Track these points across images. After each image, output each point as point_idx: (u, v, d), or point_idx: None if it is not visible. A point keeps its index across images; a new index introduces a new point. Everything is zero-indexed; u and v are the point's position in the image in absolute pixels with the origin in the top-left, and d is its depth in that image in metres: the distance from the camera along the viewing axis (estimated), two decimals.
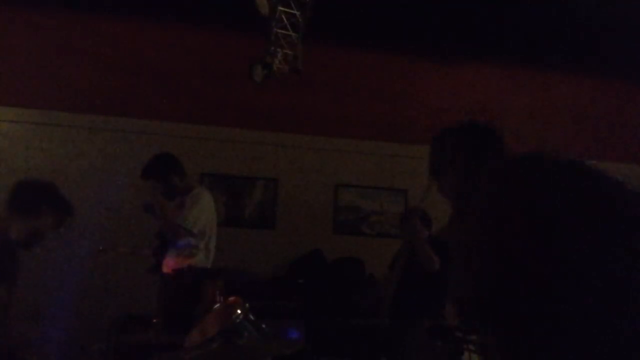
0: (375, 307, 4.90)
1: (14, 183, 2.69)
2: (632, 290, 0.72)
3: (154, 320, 3.18)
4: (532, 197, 0.77)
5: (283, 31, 4.67)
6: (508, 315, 0.76)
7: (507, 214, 0.77)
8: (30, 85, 5.27)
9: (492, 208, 0.81)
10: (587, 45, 5.51)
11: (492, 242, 0.79)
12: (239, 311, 1.63)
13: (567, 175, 0.80)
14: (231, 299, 1.76)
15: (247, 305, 1.72)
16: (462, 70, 6.26)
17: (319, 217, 5.73)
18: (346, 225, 5.81)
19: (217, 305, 1.99)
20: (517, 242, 0.75)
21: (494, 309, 0.77)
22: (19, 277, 2.46)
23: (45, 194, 2.61)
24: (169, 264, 3.62)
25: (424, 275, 3.59)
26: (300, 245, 5.52)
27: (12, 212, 2.55)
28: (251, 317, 1.67)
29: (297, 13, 4.49)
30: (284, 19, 4.59)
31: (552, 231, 0.73)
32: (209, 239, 3.71)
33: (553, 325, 0.71)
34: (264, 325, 1.74)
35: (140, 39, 5.57)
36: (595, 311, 0.70)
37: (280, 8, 4.49)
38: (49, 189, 2.65)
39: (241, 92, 5.55)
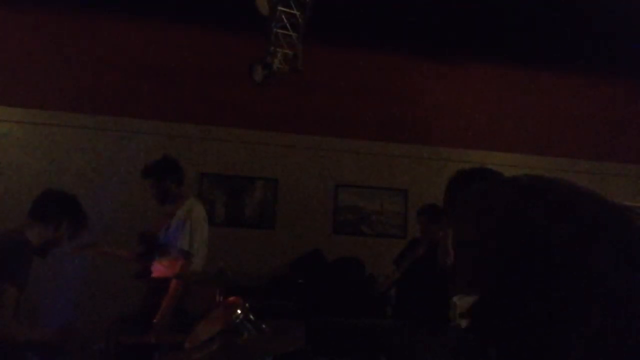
0: (375, 305, 4.91)
1: (41, 191, 2.78)
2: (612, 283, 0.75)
3: (154, 321, 3.18)
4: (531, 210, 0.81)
5: (283, 31, 4.67)
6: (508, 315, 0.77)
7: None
8: (30, 85, 5.27)
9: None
10: (587, 45, 5.51)
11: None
12: (239, 311, 1.63)
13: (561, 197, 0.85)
14: (231, 298, 1.76)
15: (247, 305, 1.72)
16: (462, 70, 6.26)
17: (319, 217, 5.73)
18: (346, 225, 5.81)
19: (217, 305, 1.99)
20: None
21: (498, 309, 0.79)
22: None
23: (68, 208, 2.68)
24: (159, 270, 3.56)
25: (429, 274, 3.60)
26: (300, 245, 5.52)
27: (34, 218, 2.61)
28: (251, 317, 1.67)
29: (297, 13, 4.49)
30: (284, 19, 4.58)
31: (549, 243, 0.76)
32: (203, 248, 3.64)
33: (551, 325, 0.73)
34: (264, 325, 1.74)
35: (140, 39, 5.58)
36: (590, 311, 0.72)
37: (280, 8, 4.48)
38: (73, 204, 2.72)
39: (241, 92, 5.55)
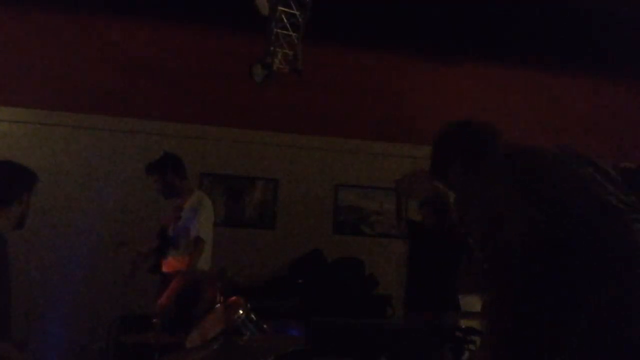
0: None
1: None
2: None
3: (154, 320, 3.18)
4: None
5: (283, 31, 4.67)
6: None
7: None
8: (30, 85, 5.26)
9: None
10: (588, 45, 5.52)
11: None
12: (240, 311, 1.63)
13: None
14: (232, 298, 1.76)
15: (248, 305, 1.72)
16: (462, 70, 6.26)
17: (319, 217, 5.73)
18: (346, 225, 5.80)
19: (218, 305, 1.98)
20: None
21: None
22: (17, 277, 2.43)
23: (18, 177, 2.53)
24: (172, 263, 3.61)
25: (436, 268, 3.64)
26: (300, 245, 5.51)
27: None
28: (252, 316, 1.67)
29: (297, 13, 4.48)
30: (284, 19, 4.58)
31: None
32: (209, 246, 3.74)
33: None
34: (265, 325, 1.74)
35: (140, 39, 5.57)
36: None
37: (280, 8, 4.48)
38: (19, 171, 2.55)
39: (241, 92, 5.55)
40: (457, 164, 1.59)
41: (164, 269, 3.66)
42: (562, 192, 0.92)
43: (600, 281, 0.83)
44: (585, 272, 0.84)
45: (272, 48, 4.81)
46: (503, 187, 0.97)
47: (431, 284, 3.69)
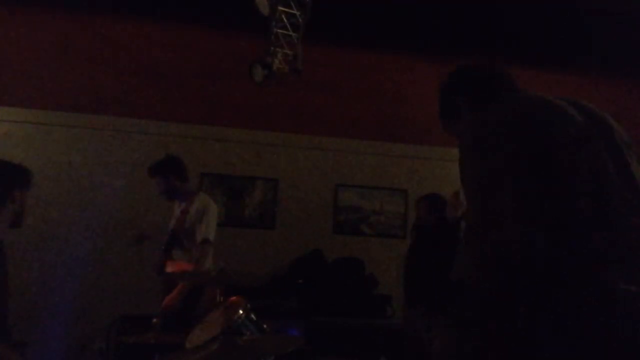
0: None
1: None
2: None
3: (154, 320, 3.18)
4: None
5: (283, 31, 4.67)
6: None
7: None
8: (30, 85, 5.26)
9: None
10: (588, 45, 5.52)
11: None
12: (240, 311, 1.63)
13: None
14: (233, 298, 1.76)
15: (248, 305, 1.72)
16: None
17: (319, 217, 5.73)
18: (346, 225, 5.80)
19: (218, 305, 1.98)
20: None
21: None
22: (17, 278, 2.43)
23: (8, 175, 2.49)
24: (179, 265, 3.64)
25: (432, 262, 3.65)
26: (300, 245, 5.52)
27: None
28: (252, 316, 1.67)
29: (297, 13, 4.48)
30: (284, 19, 4.58)
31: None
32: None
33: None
34: (265, 325, 1.74)
35: (140, 39, 5.57)
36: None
37: (280, 8, 4.48)
38: (9, 169, 2.48)
39: (241, 92, 5.55)
40: (467, 103, 1.55)
41: (169, 269, 3.69)
42: (568, 171, 1.01)
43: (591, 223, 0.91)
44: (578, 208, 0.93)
45: (272, 48, 4.81)
46: (507, 144, 0.99)
47: (430, 281, 3.70)
